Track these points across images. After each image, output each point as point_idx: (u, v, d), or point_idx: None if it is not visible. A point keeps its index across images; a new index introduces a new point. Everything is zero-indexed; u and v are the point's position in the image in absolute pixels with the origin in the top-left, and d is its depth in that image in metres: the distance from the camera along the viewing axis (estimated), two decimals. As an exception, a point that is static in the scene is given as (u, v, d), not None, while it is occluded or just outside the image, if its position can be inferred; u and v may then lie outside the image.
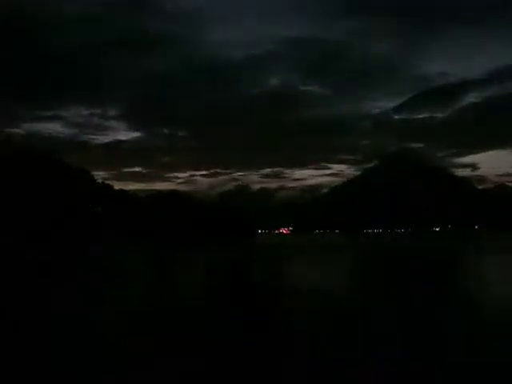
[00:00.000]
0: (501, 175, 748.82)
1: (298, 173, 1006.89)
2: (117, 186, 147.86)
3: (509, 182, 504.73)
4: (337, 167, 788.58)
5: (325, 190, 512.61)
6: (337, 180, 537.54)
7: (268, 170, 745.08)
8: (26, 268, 35.02)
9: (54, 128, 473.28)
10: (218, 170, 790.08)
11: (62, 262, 43.25)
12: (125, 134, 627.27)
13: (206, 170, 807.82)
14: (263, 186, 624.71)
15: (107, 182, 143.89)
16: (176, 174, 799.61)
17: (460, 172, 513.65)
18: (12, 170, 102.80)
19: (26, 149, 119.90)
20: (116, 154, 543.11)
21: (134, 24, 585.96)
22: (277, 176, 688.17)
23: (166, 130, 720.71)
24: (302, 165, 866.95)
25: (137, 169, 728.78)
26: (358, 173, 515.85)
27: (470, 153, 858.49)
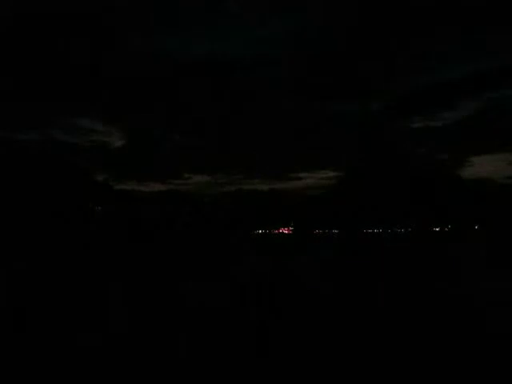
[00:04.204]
0: (501, 176, 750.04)
1: (299, 173, 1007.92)
2: (117, 186, 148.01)
3: (509, 183, 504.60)
4: (337, 167, 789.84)
5: (325, 190, 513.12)
6: (337, 180, 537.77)
7: (268, 171, 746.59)
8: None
9: (64, 134, 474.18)
10: (219, 171, 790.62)
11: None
12: (126, 136, 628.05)
13: (207, 171, 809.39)
14: (264, 186, 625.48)
15: (107, 182, 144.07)
16: (177, 175, 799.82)
17: (460, 173, 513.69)
18: (15, 170, 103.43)
19: (33, 152, 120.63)
20: (117, 154, 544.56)
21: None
22: (277, 176, 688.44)
23: (166, 132, 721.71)
24: (303, 165, 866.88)
25: (137, 169, 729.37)
26: (359, 173, 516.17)
27: (471, 154, 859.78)
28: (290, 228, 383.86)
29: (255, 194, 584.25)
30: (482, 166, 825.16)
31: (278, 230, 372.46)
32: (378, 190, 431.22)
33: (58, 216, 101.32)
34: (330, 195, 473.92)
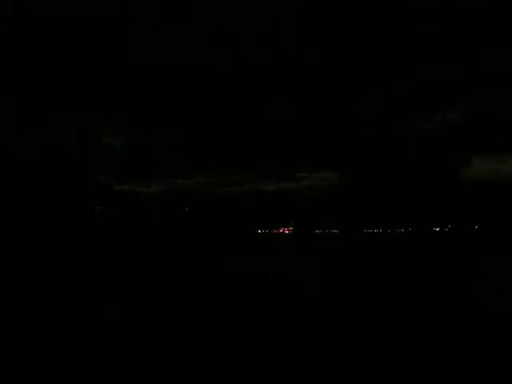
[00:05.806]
0: (501, 177, 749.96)
1: (299, 173, 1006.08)
2: (117, 186, 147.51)
3: (509, 183, 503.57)
4: (337, 168, 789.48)
5: (325, 190, 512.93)
6: (337, 180, 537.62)
7: (269, 171, 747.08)
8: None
9: (64, 134, 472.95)
10: (220, 171, 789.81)
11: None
12: (125, 136, 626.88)
13: (207, 171, 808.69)
14: (264, 186, 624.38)
15: (107, 182, 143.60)
16: (177, 175, 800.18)
17: (460, 173, 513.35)
18: (15, 170, 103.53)
19: (33, 152, 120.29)
20: (117, 155, 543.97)
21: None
22: (278, 176, 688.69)
23: (166, 132, 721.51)
24: (303, 165, 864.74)
25: (137, 169, 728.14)
26: (359, 173, 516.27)
27: (471, 154, 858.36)
28: (290, 228, 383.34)
29: (255, 193, 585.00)
30: (482, 167, 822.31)
31: (279, 229, 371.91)
32: (378, 190, 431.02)
33: (57, 216, 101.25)
34: (330, 195, 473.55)
